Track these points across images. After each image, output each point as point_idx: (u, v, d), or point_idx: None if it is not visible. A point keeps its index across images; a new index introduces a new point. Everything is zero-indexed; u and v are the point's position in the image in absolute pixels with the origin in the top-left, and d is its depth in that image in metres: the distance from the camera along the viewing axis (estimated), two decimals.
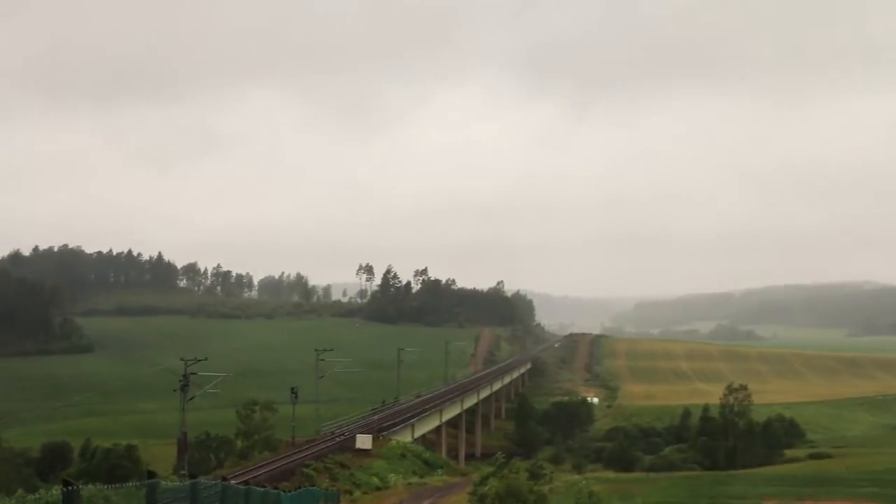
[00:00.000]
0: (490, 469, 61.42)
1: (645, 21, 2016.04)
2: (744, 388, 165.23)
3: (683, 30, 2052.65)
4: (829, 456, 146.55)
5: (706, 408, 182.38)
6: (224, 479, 31.77)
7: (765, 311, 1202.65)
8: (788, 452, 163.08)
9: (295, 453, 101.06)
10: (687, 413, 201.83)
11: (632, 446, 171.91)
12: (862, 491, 68.05)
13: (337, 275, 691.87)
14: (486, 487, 54.56)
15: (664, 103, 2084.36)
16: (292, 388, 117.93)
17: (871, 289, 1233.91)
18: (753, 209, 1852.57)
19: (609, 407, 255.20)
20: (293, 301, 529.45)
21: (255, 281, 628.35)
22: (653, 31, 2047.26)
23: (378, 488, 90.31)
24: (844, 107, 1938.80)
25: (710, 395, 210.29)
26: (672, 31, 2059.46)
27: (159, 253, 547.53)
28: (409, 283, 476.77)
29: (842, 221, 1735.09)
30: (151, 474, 20.87)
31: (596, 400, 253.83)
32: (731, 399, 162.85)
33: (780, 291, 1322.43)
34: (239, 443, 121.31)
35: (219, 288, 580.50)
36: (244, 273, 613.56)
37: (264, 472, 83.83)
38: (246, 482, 52.89)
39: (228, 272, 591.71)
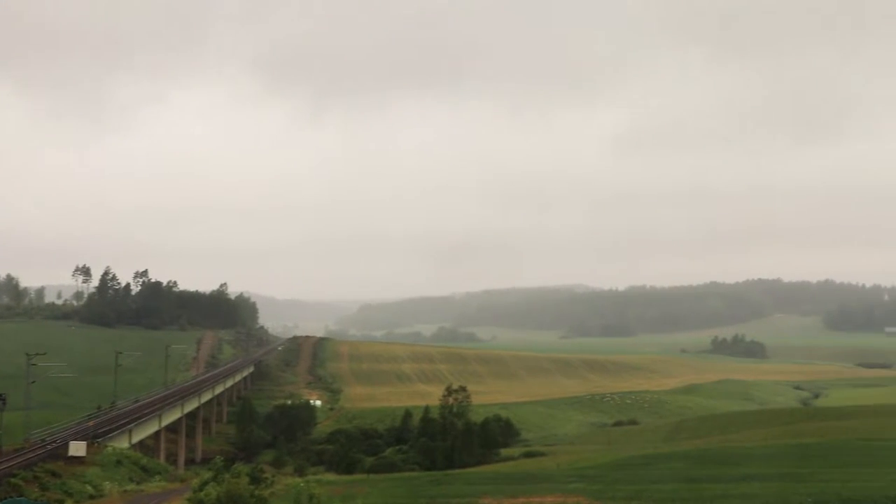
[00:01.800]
0: (209, 474, 60.47)
1: (381, 30, 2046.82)
2: (463, 389, 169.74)
3: (420, 40, 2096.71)
4: (541, 454, 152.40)
5: (427, 409, 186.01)
6: None
7: (485, 313, 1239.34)
8: (504, 451, 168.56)
9: (0, 463, 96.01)
10: (408, 414, 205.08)
11: (353, 448, 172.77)
12: (570, 486, 71.09)
13: (52, 276, 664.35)
14: (205, 493, 53.73)
15: (397, 109, 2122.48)
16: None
17: (583, 292, 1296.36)
18: (477, 214, 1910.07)
19: (332, 409, 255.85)
20: (1, 303, 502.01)
21: None
22: (389, 40, 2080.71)
23: (92, 497, 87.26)
24: (569, 119, 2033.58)
25: (431, 396, 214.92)
26: (408, 42, 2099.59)
27: None
28: (128, 285, 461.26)
29: (558, 228, 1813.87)
30: None
31: (319, 402, 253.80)
32: (450, 400, 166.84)
33: (499, 295, 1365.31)
34: None
35: None
36: None
37: None
38: None
39: None
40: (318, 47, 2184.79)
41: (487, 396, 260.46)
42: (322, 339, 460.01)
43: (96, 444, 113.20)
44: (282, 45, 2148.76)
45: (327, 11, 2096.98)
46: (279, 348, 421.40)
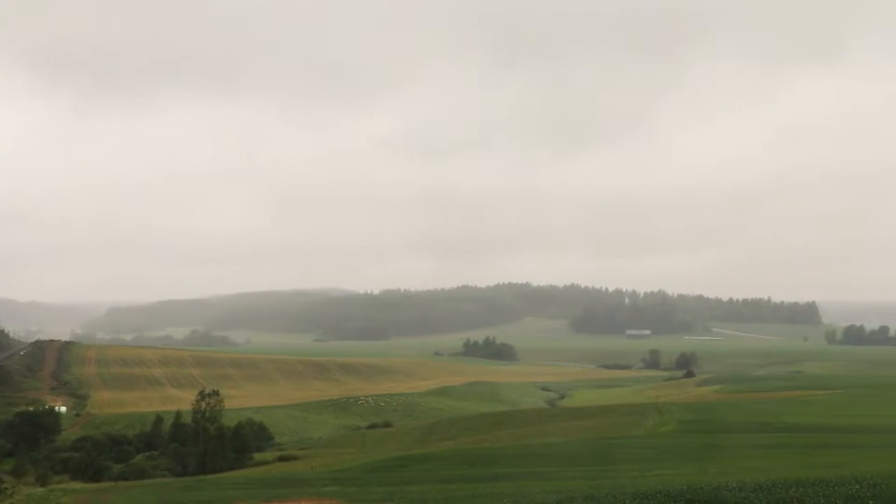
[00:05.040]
0: None
1: (151, 28, 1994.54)
2: (216, 393, 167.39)
3: (193, 40, 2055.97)
4: (296, 458, 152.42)
5: (178, 414, 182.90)
6: None
7: (239, 316, 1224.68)
8: (258, 455, 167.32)
9: None
10: (159, 420, 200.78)
11: (101, 455, 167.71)
12: (325, 490, 71.24)
13: None
14: None
15: (164, 106, 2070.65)
16: None
17: (337, 295, 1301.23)
18: (236, 217, 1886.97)
19: (78, 416, 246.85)
20: None
21: None
22: (157, 39, 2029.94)
23: None
24: (346, 123, 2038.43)
25: (184, 401, 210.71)
26: (180, 41, 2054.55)
27: None
28: None
29: (309, 232, 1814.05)
30: None
31: (64, 408, 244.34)
32: (203, 404, 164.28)
33: (253, 298, 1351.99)
34: None
35: None
36: None
37: None
38: None
39: None
40: (85, 45, 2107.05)
41: (241, 400, 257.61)
42: (67, 343, 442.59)
43: None
44: (47, 42, 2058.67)
45: (94, 9, 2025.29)
46: (21, 353, 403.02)
